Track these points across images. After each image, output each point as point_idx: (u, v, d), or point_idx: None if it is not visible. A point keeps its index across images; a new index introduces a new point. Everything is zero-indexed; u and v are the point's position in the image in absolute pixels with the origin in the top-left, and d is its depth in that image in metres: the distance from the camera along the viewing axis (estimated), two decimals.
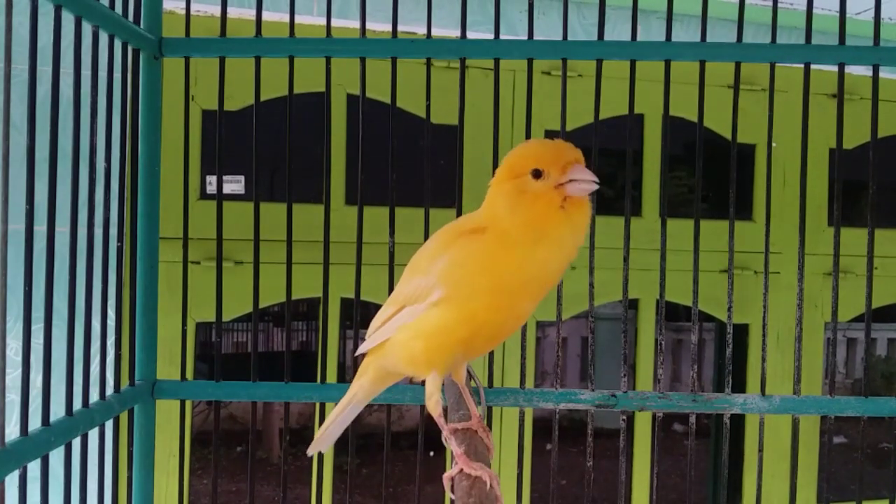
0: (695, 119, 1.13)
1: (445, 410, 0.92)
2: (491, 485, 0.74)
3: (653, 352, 2.41)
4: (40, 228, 0.82)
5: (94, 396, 0.95)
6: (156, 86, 1.12)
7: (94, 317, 0.94)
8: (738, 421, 2.44)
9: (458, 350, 0.80)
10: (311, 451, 0.96)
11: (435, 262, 0.79)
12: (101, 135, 0.95)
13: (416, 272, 0.82)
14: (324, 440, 0.95)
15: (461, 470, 0.76)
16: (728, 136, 1.16)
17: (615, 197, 2.54)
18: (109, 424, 1.00)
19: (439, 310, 0.78)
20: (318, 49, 1.13)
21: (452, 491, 0.76)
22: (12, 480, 0.76)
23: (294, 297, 1.15)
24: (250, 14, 1.89)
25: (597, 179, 0.75)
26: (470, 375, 1.05)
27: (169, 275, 1.51)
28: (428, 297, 0.78)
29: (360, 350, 0.91)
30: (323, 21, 1.17)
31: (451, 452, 0.81)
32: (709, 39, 1.14)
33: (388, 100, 1.14)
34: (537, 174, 0.76)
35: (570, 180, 0.75)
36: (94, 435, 0.94)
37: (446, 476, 0.78)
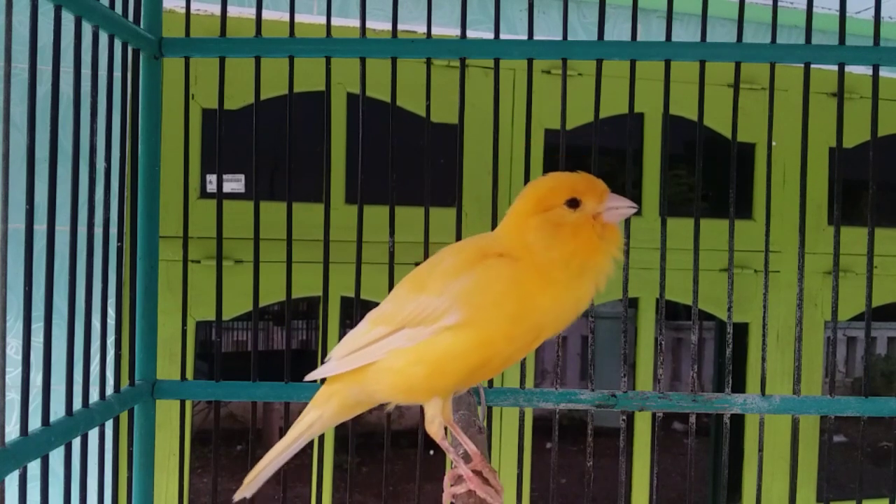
0: (695, 118, 1.13)
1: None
2: None
3: (653, 351, 2.41)
4: (40, 228, 0.82)
5: (94, 396, 0.95)
6: (156, 86, 1.12)
7: (94, 316, 0.94)
8: (738, 421, 2.45)
9: (463, 378, 0.75)
10: (238, 496, 0.87)
11: (452, 283, 0.73)
12: (101, 135, 0.94)
13: (420, 290, 0.75)
14: (257, 482, 0.86)
15: (470, 491, 0.75)
16: (728, 135, 1.16)
17: None
18: (109, 424, 1.00)
19: (452, 335, 0.72)
20: (318, 49, 1.13)
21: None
22: (12, 480, 0.76)
23: (294, 296, 1.15)
24: (250, 13, 1.89)
25: (635, 205, 0.73)
26: (456, 408, 0.98)
27: (169, 274, 1.52)
28: (439, 321, 0.72)
29: (329, 372, 0.81)
30: (323, 20, 1.17)
31: (452, 464, 0.80)
32: (709, 39, 1.14)
33: (388, 99, 1.14)
34: (574, 203, 0.73)
35: (608, 208, 0.73)
36: (94, 435, 0.94)
37: (448, 493, 0.77)
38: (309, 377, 0.85)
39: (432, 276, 0.76)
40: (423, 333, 0.73)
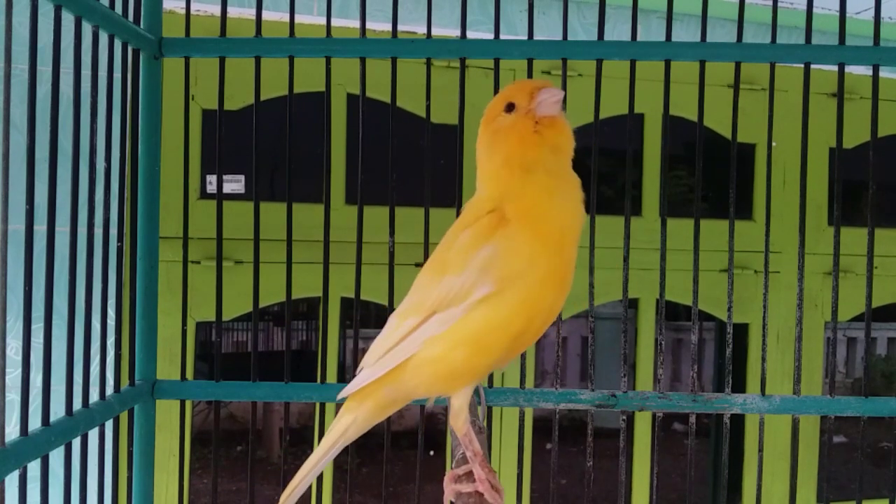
0: (695, 119, 1.13)
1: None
2: None
3: (653, 351, 2.41)
4: (40, 228, 0.82)
5: (94, 396, 0.95)
6: (156, 86, 1.12)
7: (94, 316, 0.94)
8: (738, 421, 2.44)
9: (505, 349, 0.72)
10: None
11: (473, 257, 0.71)
12: (101, 135, 0.94)
13: (443, 273, 0.73)
14: (299, 490, 0.84)
15: (476, 491, 0.74)
16: (728, 135, 1.16)
17: (615, 196, 2.54)
18: (109, 424, 1.00)
19: (488, 306, 0.70)
20: (318, 49, 1.13)
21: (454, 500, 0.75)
22: (12, 480, 0.76)
23: (294, 296, 1.15)
24: (250, 14, 1.89)
25: (562, 91, 0.73)
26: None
27: (169, 274, 1.52)
28: (470, 296, 0.70)
29: (365, 381, 0.78)
30: (323, 21, 1.17)
31: (452, 462, 0.80)
32: (709, 39, 1.14)
33: (388, 100, 1.14)
34: (509, 108, 0.75)
35: (539, 102, 0.73)
36: (94, 435, 0.94)
37: (448, 492, 0.76)
38: (344, 392, 0.81)
39: (450, 256, 0.74)
40: (455, 314, 0.71)
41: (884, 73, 1.16)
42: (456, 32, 1.81)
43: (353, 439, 0.84)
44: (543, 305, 0.72)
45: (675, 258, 1.27)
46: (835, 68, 1.13)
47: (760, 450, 1.12)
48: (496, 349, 0.72)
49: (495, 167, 0.75)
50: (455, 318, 0.71)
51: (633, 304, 2.37)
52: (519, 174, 0.73)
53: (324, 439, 0.83)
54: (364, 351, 0.82)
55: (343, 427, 0.81)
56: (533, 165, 0.73)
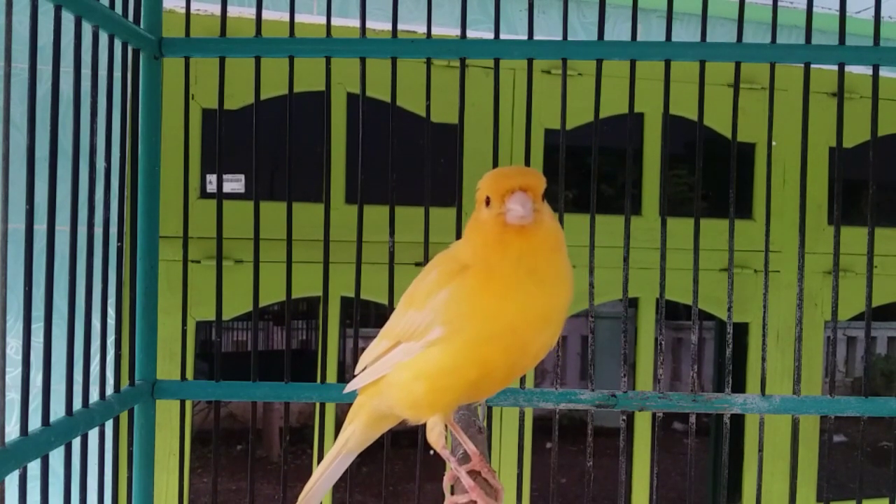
0: (695, 118, 1.13)
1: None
2: None
3: (653, 351, 2.41)
4: (40, 228, 0.82)
5: (94, 396, 0.95)
6: (156, 86, 1.12)
7: (94, 316, 0.94)
8: (738, 420, 2.44)
9: (464, 392, 0.74)
10: None
11: (433, 297, 0.73)
12: (101, 134, 0.94)
13: (410, 304, 0.76)
14: (311, 498, 0.88)
15: (472, 502, 0.74)
16: (728, 134, 1.16)
17: (615, 196, 2.54)
18: (109, 424, 1.00)
19: (439, 350, 0.72)
20: (318, 49, 1.13)
21: None
22: (12, 480, 0.76)
23: (294, 295, 1.15)
24: (250, 13, 1.89)
25: (526, 211, 0.68)
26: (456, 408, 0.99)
27: (169, 274, 1.51)
28: (425, 335, 0.73)
29: (351, 387, 0.83)
30: (323, 20, 1.17)
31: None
32: (709, 38, 1.14)
33: (388, 99, 1.14)
34: (488, 202, 0.71)
35: (506, 210, 0.69)
36: (94, 435, 0.94)
37: (449, 501, 0.76)
38: (346, 389, 0.85)
39: (419, 289, 0.76)
40: (415, 348, 0.73)
41: (884, 72, 1.16)
42: (456, 32, 1.81)
43: (358, 450, 0.86)
44: (498, 364, 0.72)
45: (675, 257, 1.27)
46: (835, 68, 1.13)
47: (760, 450, 1.12)
48: (453, 391, 0.73)
49: (466, 252, 0.73)
50: (415, 351, 0.74)
51: (633, 304, 2.37)
52: (486, 269, 0.71)
53: (331, 450, 0.86)
54: (364, 350, 0.84)
55: (345, 437, 0.85)
56: (499, 265, 0.70)
